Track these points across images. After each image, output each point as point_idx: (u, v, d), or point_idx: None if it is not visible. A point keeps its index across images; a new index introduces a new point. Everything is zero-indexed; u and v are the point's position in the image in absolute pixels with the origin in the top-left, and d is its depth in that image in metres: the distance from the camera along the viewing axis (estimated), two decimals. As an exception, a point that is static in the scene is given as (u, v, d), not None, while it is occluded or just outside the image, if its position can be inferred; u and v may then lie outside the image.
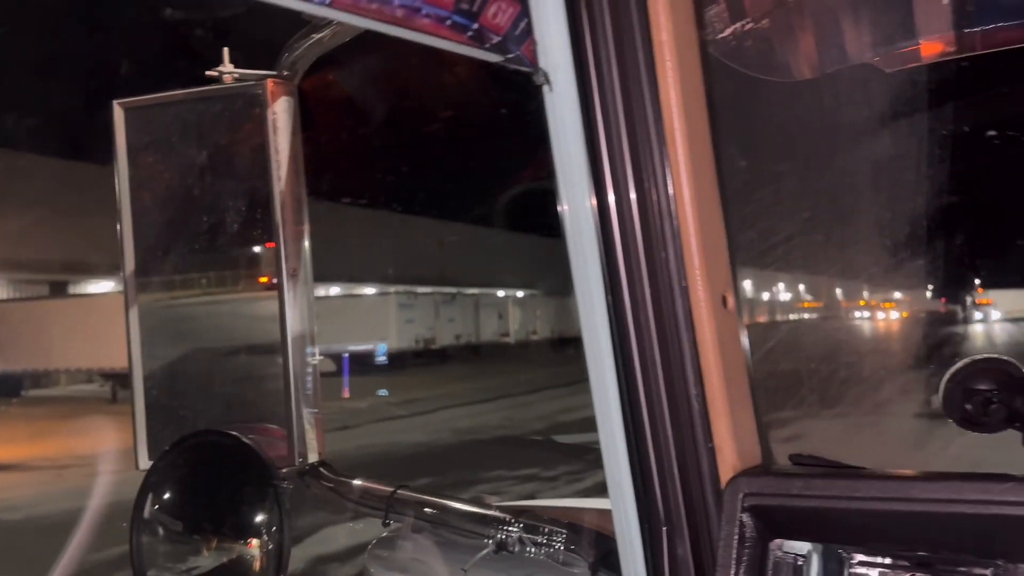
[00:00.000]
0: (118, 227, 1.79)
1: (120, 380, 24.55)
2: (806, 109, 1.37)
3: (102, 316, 24.49)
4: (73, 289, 29.22)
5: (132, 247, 1.80)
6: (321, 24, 1.73)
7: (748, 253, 1.16)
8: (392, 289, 33.05)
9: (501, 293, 40.45)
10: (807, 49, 1.43)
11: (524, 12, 1.05)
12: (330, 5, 0.86)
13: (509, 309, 40.20)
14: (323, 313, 1.83)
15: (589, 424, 1.07)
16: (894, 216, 1.24)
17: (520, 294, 42.02)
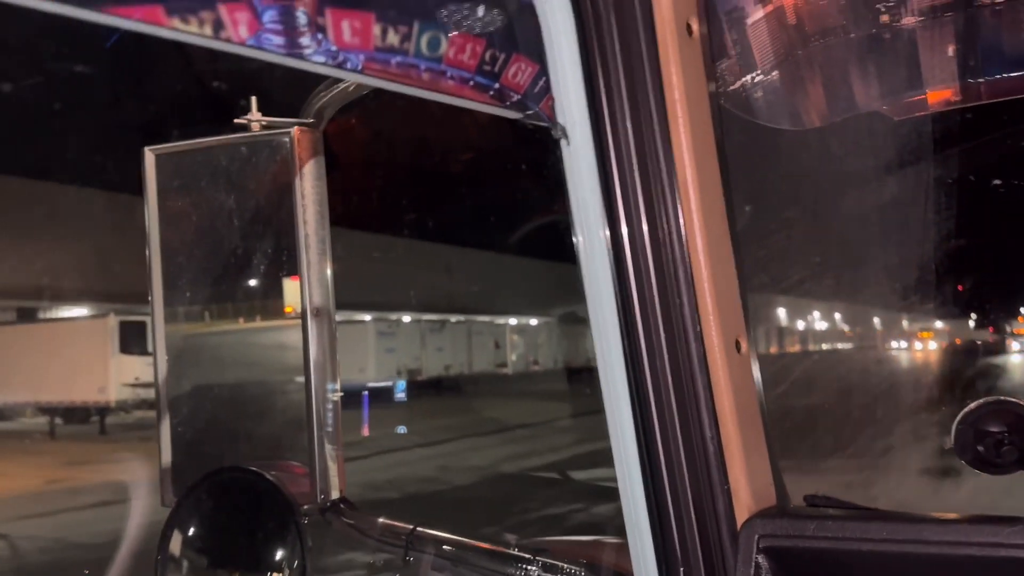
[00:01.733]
0: (148, 267, 1.85)
1: (62, 414, 23.17)
2: (818, 156, 1.42)
3: (47, 343, 23.76)
4: (44, 315, 28.29)
5: (161, 286, 1.86)
6: (346, 73, 1.79)
7: (762, 296, 1.20)
8: (367, 317, 30.77)
9: (499, 321, 38.67)
10: (817, 99, 1.47)
11: (543, 71, 1.10)
12: (361, 72, 0.91)
13: (508, 337, 38.49)
14: (291, 344, 1.88)
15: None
16: (901, 260, 1.27)
17: (519, 322, 40.31)
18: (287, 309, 1.88)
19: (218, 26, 0.79)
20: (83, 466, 16.01)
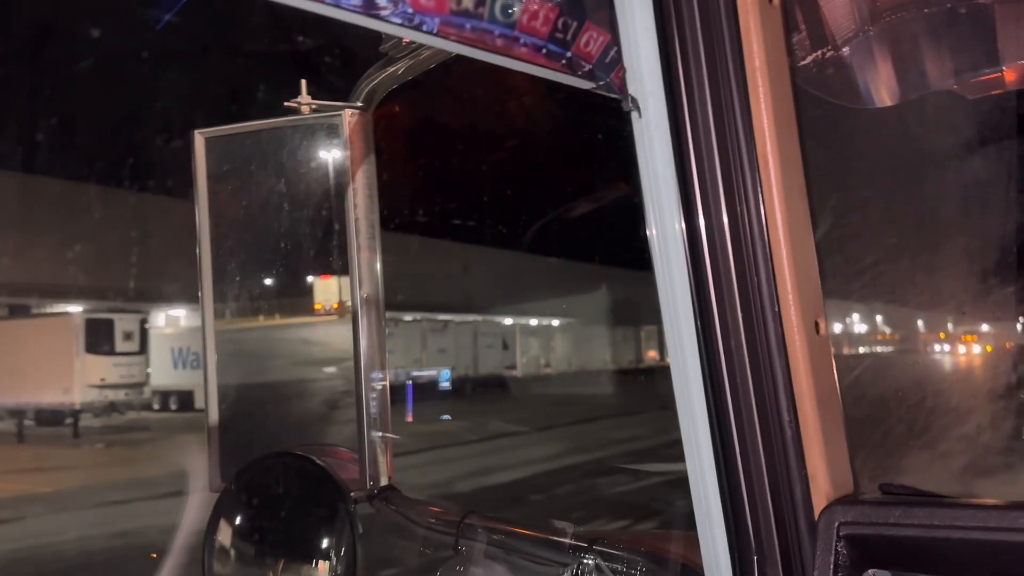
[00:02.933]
0: (198, 253, 1.84)
1: (33, 417, 22.31)
2: (890, 135, 1.37)
3: (9, 342, 22.91)
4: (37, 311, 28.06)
5: (210, 273, 1.85)
6: (397, 56, 1.77)
7: (836, 279, 1.15)
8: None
9: (508, 321, 37.56)
10: (887, 76, 1.42)
11: (615, 40, 1.07)
12: (436, 34, 0.89)
13: (517, 339, 37.25)
14: (339, 332, 1.85)
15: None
16: (983, 243, 1.22)
17: (533, 322, 39.29)
18: (317, 306, 1.86)
19: (297, -17, 0.77)
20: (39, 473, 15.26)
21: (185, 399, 28.20)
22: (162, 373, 28.63)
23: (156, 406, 28.30)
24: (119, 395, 25.32)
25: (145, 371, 27.08)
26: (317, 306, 1.94)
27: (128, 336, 25.91)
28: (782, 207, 1.03)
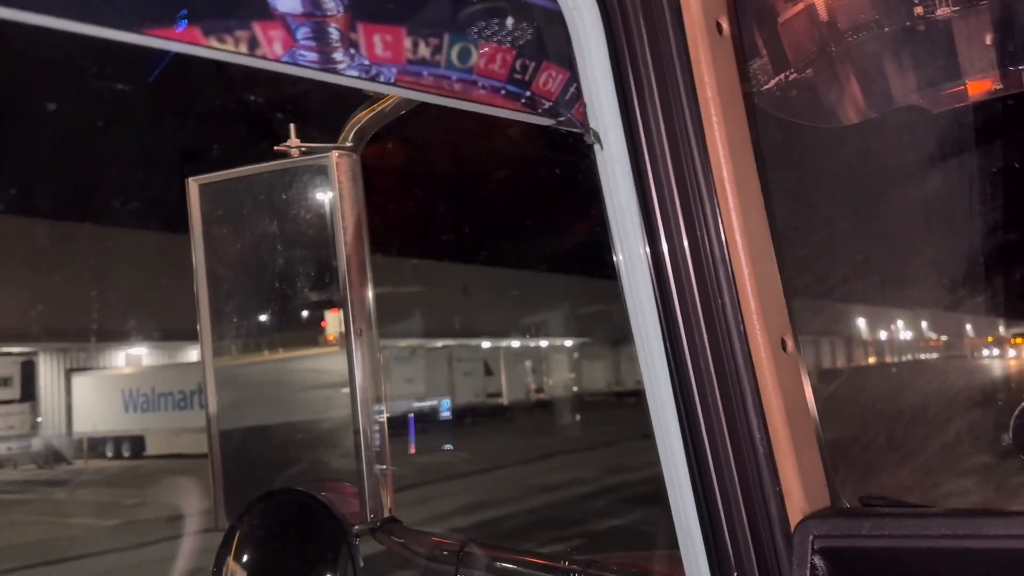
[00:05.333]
0: (195, 294, 1.89)
1: None
2: (854, 152, 1.39)
3: None
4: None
5: (208, 314, 1.90)
6: (382, 96, 1.83)
7: (806, 297, 1.18)
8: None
9: (487, 344, 34.88)
10: (853, 95, 1.46)
11: (573, 77, 1.11)
12: (394, 84, 0.93)
13: (502, 363, 34.23)
14: (335, 368, 1.87)
15: None
16: (948, 255, 1.24)
17: (518, 345, 36.57)
18: (329, 337, 1.90)
19: (253, 44, 0.81)
20: None
21: (137, 445, 27.14)
22: (111, 417, 27.56)
23: (109, 453, 27.28)
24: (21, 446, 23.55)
25: (32, 420, 25.21)
26: (310, 342, 1.98)
27: (5, 382, 24.21)
28: (741, 228, 1.06)
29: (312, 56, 0.85)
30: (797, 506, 1.06)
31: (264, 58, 0.82)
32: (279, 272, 1.90)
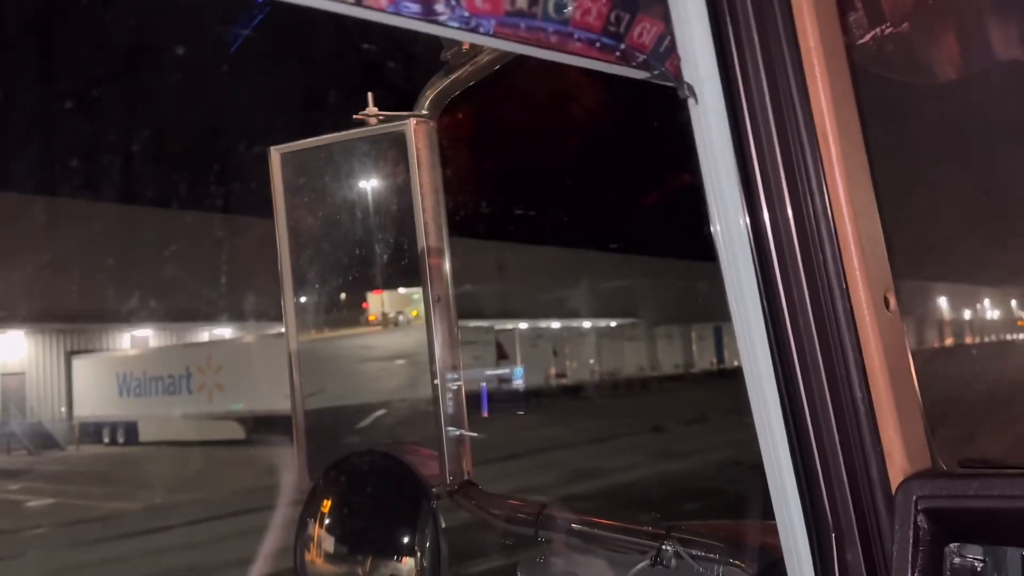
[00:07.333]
0: (279, 265, 1.93)
1: None
2: (956, 109, 1.34)
3: None
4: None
5: (291, 283, 1.93)
6: (458, 64, 1.83)
7: (908, 256, 1.14)
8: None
9: (556, 325, 34.79)
10: (951, 49, 1.40)
11: (668, 29, 1.09)
12: (492, 35, 0.93)
13: (518, 345, 33.53)
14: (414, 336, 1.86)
15: None
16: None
17: (587, 324, 36.51)
18: (371, 318, 1.92)
19: (360, -6, 0.82)
20: None
21: (131, 431, 27.34)
22: (107, 402, 27.87)
23: (106, 439, 27.76)
24: None
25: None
26: (388, 311, 2.01)
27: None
28: (844, 184, 1.03)
29: (415, 7, 0.86)
30: (898, 467, 1.04)
31: (371, 8, 0.82)
32: (358, 240, 1.93)
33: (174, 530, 12.45)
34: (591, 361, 36.96)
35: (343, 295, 1.97)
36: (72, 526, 13.75)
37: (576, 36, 1.00)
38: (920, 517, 0.99)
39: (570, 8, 0.99)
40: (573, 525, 1.61)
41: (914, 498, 1.00)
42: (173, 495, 16.41)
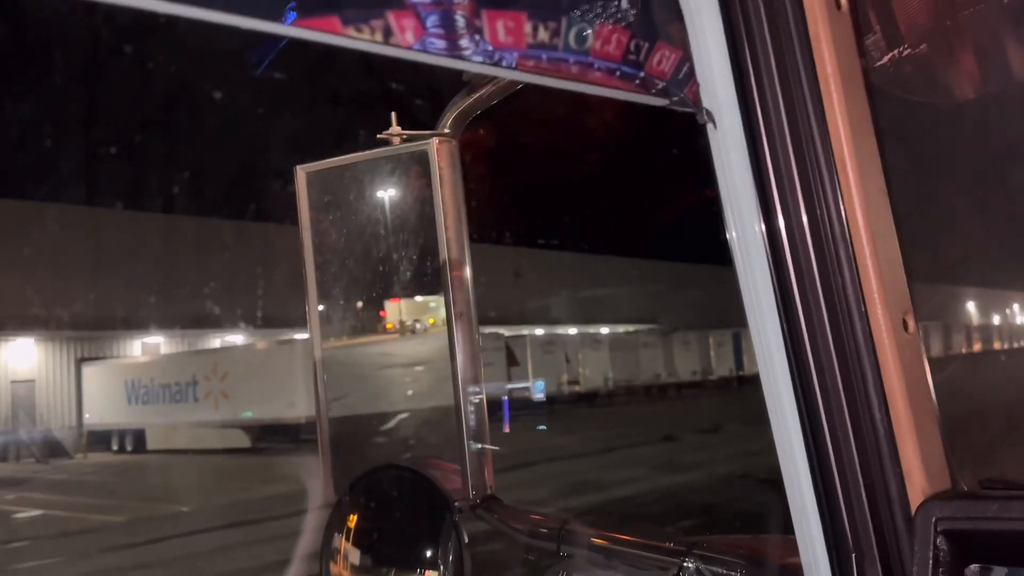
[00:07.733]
0: (304, 281, 1.96)
1: None
2: (975, 128, 1.35)
3: None
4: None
5: (316, 299, 1.97)
6: (479, 84, 1.86)
7: (927, 276, 1.15)
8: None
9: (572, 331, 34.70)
10: (969, 70, 1.41)
11: (686, 57, 1.11)
12: (515, 68, 0.95)
13: (529, 351, 32.93)
14: (436, 350, 1.88)
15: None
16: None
17: (604, 330, 36.31)
18: (388, 326, 1.95)
19: (387, 32, 0.85)
20: None
21: (139, 439, 27.15)
22: (116, 410, 27.67)
23: (115, 447, 27.69)
24: None
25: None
26: (412, 325, 2.04)
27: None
28: (862, 206, 1.04)
29: (441, 44, 0.88)
30: (918, 488, 1.05)
31: (397, 46, 0.85)
32: (382, 257, 1.96)
33: (164, 542, 12.51)
34: (606, 367, 36.69)
35: (365, 307, 2.01)
36: (61, 537, 13.80)
37: (596, 66, 1.02)
38: (940, 539, 1.00)
39: (590, 38, 1.02)
40: (594, 540, 1.63)
41: (934, 519, 1.01)
42: (169, 505, 16.37)
